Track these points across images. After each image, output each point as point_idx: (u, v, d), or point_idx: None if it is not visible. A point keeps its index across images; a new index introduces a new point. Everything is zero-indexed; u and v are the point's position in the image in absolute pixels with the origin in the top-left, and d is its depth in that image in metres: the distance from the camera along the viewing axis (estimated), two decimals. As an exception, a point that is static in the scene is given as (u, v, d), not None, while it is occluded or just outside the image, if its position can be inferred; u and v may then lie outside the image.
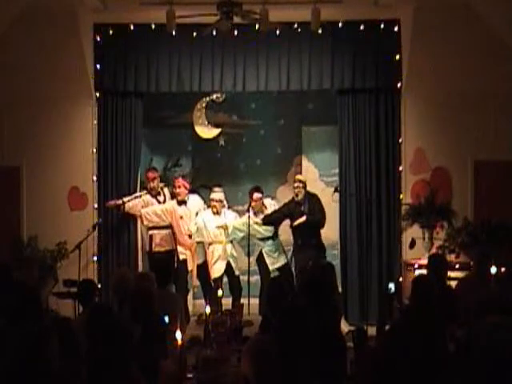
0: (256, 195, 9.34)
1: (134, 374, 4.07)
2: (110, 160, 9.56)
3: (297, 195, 9.24)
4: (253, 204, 9.33)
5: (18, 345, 3.94)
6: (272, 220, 9.35)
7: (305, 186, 9.29)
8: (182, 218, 9.28)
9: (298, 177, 9.50)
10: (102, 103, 9.56)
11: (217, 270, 9.26)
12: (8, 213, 9.35)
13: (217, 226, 9.23)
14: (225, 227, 9.25)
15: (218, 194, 9.34)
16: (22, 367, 3.88)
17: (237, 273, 9.42)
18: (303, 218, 9.15)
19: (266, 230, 9.37)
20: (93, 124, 9.51)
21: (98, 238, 9.41)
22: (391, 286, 4.46)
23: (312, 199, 9.29)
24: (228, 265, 9.32)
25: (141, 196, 9.33)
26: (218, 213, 9.29)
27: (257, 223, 9.29)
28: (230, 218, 9.40)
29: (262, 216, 9.36)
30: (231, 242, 9.47)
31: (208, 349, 5.60)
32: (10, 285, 5.81)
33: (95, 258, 9.40)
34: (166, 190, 9.61)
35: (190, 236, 9.31)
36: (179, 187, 9.32)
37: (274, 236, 9.47)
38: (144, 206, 9.29)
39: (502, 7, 8.55)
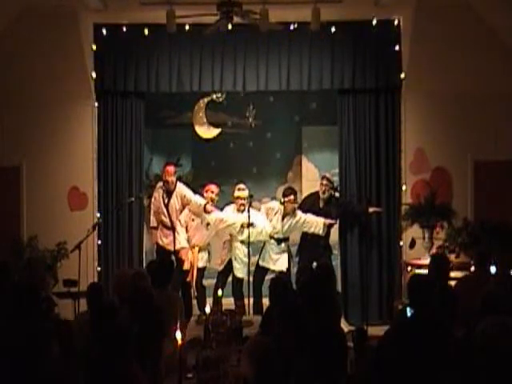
0: (291, 197, 9.06)
1: (134, 374, 4.07)
2: (110, 160, 9.56)
3: (324, 192, 9.28)
4: (286, 205, 9.08)
5: (20, 345, 3.94)
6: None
7: (332, 187, 9.36)
8: (208, 224, 9.05)
9: (328, 176, 9.53)
10: (102, 103, 9.55)
11: (237, 269, 9.15)
12: (8, 213, 9.34)
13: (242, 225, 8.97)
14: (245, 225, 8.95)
15: (246, 192, 9.06)
16: (24, 367, 3.88)
17: (241, 275, 9.18)
18: (332, 221, 9.19)
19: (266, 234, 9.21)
20: (93, 124, 9.50)
21: (97, 237, 9.41)
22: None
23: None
24: (236, 267, 9.17)
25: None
26: (243, 211, 8.98)
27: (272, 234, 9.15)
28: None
29: (290, 219, 9.13)
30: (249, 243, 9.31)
31: (208, 349, 5.60)
32: (9, 285, 5.81)
33: (95, 258, 9.40)
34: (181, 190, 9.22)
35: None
36: (212, 192, 9.10)
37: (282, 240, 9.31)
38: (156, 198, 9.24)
39: (502, 7, 8.56)
